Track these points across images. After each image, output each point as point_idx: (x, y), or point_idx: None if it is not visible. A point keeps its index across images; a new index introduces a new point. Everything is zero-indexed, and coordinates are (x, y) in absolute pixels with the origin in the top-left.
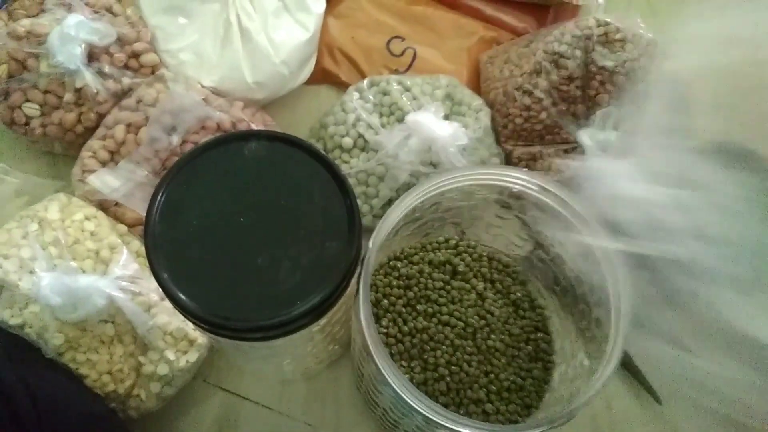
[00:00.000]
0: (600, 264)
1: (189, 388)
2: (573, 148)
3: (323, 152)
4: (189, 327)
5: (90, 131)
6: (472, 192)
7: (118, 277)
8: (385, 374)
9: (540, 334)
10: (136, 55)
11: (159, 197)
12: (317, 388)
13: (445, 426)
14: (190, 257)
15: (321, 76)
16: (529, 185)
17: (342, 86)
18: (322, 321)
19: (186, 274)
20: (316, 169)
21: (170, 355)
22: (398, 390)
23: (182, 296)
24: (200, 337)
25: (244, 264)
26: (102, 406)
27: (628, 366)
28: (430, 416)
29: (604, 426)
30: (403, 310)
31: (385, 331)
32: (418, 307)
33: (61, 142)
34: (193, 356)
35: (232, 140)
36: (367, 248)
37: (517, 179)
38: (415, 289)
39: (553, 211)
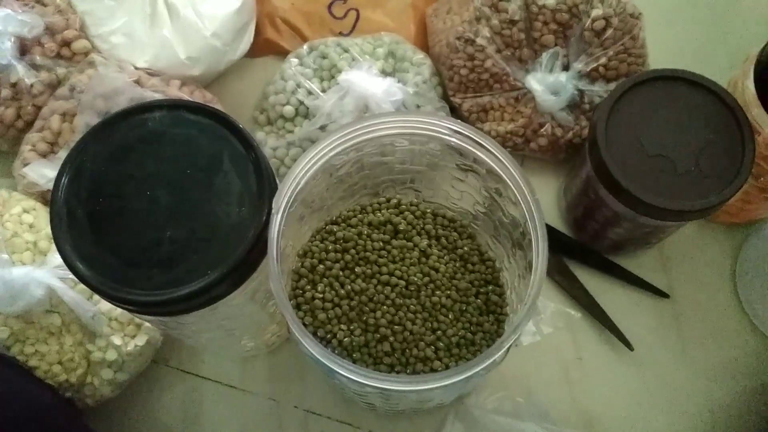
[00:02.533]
0: (521, 204)
1: (151, 373)
2: (524, 94)
3: (228, 116)
4: None
5: (31, 125)
6: (392, 144)
7: (57, 266)
8: (296, 334)
9: (491, 287)
10: (67, 44)
11: (62, 179)
12: (280, 362)
13: (363, 383)
14: (99, 232)
15: (266, 48)
16: (441, 129)
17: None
18: (245, 288)
19: (93, 249)
20: (223, 133)
21: (116, 340)
22: (310, 349)
23: (84, 270)
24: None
25: (153, 237)
26: (53, 396)
27: (596, 314)
28: (344, 373)
29: (576, 377)
30: (341, 273)
31: (321, 296)
32: (356, 269)
33: (5, 139)
34: (141, 340)
35: (133, 113)
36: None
37: (428, 125)
38: (353, 251)
39: (474, 156)
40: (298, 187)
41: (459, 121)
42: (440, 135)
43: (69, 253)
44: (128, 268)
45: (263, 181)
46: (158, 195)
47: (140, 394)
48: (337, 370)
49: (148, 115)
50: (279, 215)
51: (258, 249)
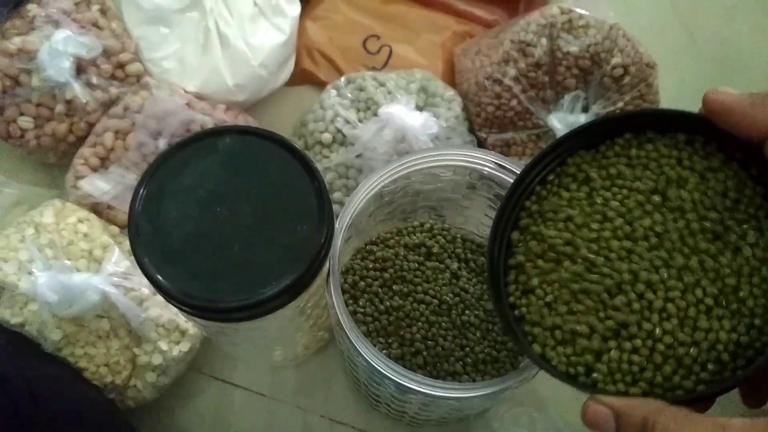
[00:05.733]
0: None
1: (186, 379)
2: (545, 132)
3: (292, 142)
4: (180, 319)
5: (81, 140)
6: (437, 174)
7: (111, 273)
8: (354, 343)
9: None
10: (121, 66)
11: (140, 191)
12: (307, 373)
13: (410, 388)
14: (170, 245)
15: (302, 77)
16: (486, 163)
17: (322, 86)
18: (299, 302)
19: (166, 259)
20: (286, 158)
21: (163, 345)
22: (367, 357)
23: (161, 278)
24: (191, 328)
25: (220, 250)
26: (99, 395)
27: None
28: (398, 380)
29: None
30: (380, 290)
31: (362, 310)
32: (394, 287)
33: (55, 152)
34: (185, 346)
35: (206, 136)
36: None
37: (474, 158)
38: (391, 270)
39: None
40: (356, 211)
41: (502, 156)
42: (483, 167)
43: (146, 263)
44: (197, 278)
45: (324, 203)
46: (225, 212)
47: (175, 399)
48: (394, 377)
49: (219, 138)
50: (340, 236)
51: (316, 265)
